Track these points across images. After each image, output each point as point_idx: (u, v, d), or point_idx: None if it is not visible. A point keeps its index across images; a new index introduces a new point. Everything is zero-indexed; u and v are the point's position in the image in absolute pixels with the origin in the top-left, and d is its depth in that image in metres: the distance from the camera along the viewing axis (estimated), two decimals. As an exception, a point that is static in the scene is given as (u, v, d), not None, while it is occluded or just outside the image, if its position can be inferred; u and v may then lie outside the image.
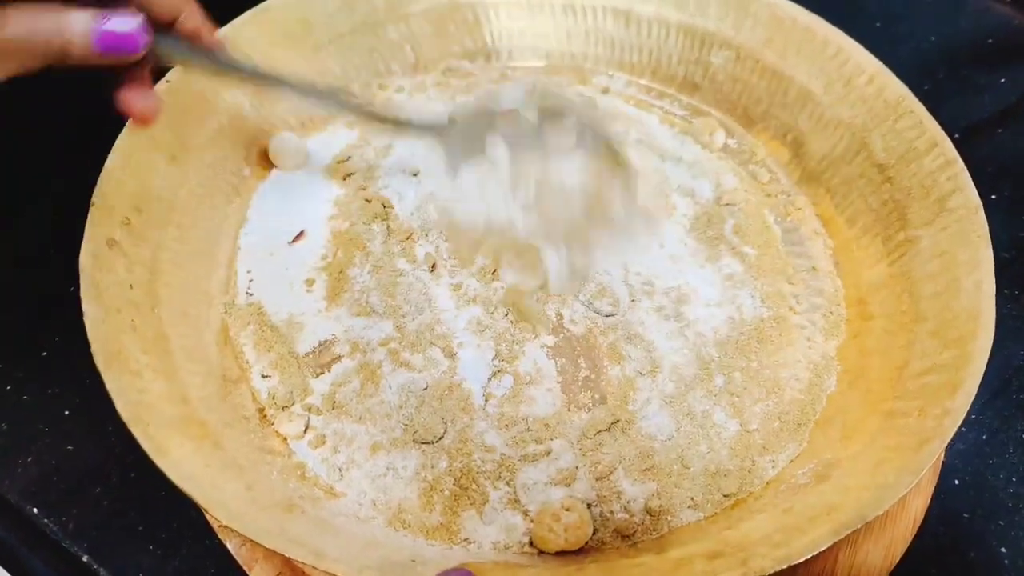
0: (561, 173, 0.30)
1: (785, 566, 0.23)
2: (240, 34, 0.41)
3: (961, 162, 0.34)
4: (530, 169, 0.30)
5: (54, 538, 0.33)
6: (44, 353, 0.39)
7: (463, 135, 0.30)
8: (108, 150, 0.34)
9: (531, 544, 0.29)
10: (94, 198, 0.32)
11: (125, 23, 0.23)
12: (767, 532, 0.26)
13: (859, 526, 0.24)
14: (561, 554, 0.29)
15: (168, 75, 0.38)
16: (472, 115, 0.31)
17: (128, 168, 0.34)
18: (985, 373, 0.38)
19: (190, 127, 0.38)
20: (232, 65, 0.29)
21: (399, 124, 0.34)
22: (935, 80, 0.52)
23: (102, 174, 0.33)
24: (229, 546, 0.31)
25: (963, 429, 0.36)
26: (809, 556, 0.23)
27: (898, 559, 0.31)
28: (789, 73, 0.42)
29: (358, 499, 0.30)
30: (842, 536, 0.24)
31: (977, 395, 0.37)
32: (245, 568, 0.30)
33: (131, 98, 0.26)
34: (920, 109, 0.36)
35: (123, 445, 0.34)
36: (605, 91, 0.47)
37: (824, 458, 0.30)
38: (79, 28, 0.22)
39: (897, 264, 0.35)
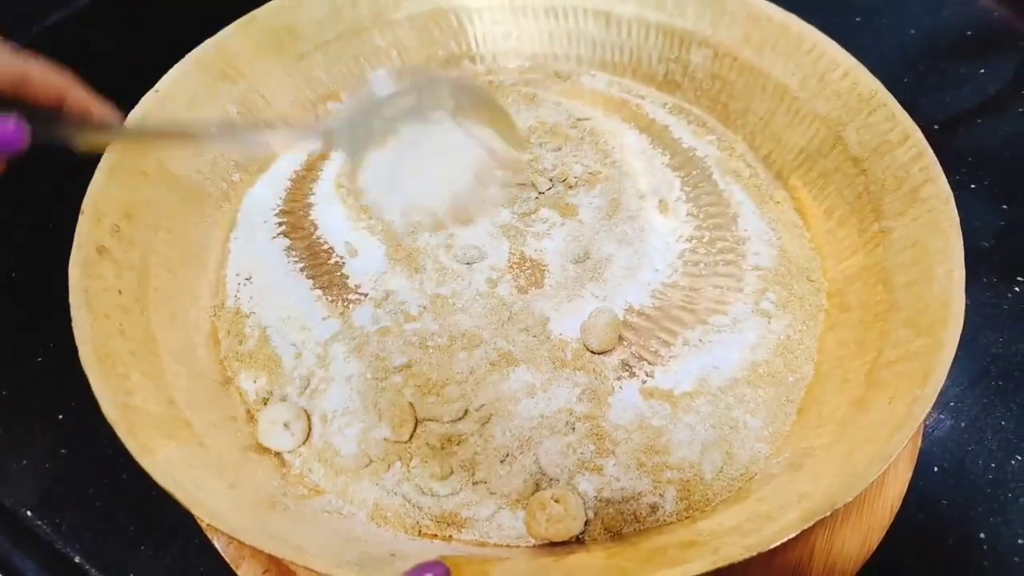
0: (448, 136, 0.32)
1: (755, 553, 0.24)
2: (227, 45, 0.42)
3: (932, 153, 0.35)
4: (422, 142, 0.32)
5: (47, 539, 0.33)
6: (39, 359, 0.39)
7: (356, 133, 0.31)
8: (99, 159, 0.34)
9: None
10: (84, 206, 0.33)
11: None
12: (739, 521, 0.26)
13: (828, 513, 0.24)
14: (550, 545, 0.29)
15: (157, 84, 0.39)
16: (357, 112, 0.31)
17: (118, 176, 0.35)
18: (964, 361, 0.39)
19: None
20: (132, 133, 0.31)
21: (297, 134, 0.35)
22: (916, 72, 0.53)
23: (92, 182, 0.34)
24: (217, 544, 0.31)
25: (942, 416, 0.37)
26: (778, 543, 0.24)
27: (875, 546, 0.31)
28: (766, 70, 0.43)
29: (340, 496, 0.30)
30: (811, 523, 0.24)
31: (956, 383, 0.38)
32: (232, 566, 0.31)
33: None
34: (892, 102, 0.37)
35: (115, 448, 0.35)
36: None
37: (799, 447, 0.31)
38: None
39: (872, 255, 0.36)
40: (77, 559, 0.33)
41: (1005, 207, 0.45)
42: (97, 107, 0.28)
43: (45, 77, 0.27)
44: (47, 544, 0.33)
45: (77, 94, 0.27)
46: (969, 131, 0.50)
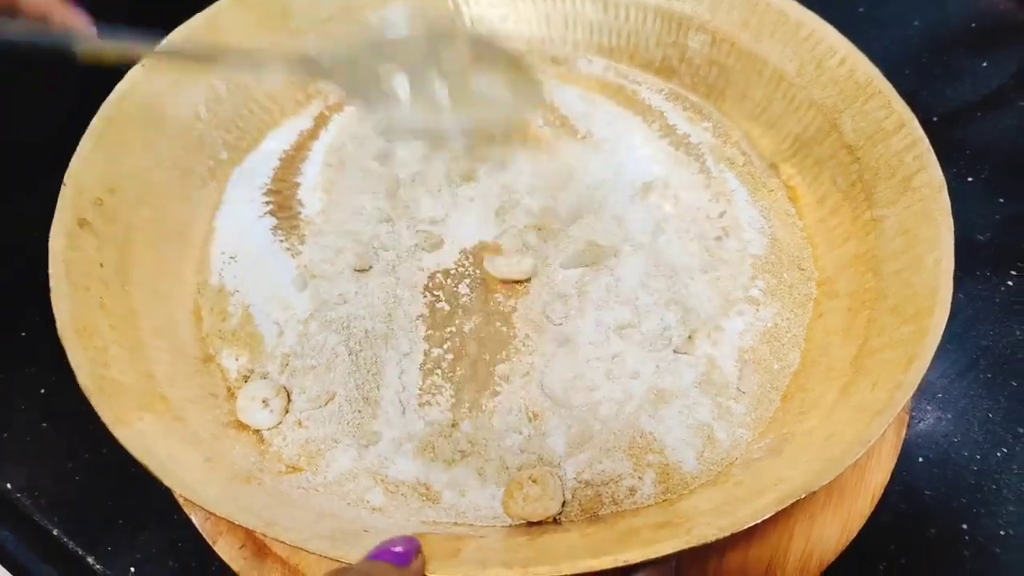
0: (467, 83, 0.32)
1: (728, 534, 0.23)
2: (220, 19, 0.42)
3: (927, 142, 0.34)
4: (432, 88, 0.31)
5: (26, 513, 0.33)
6: (22, 333, 0.39)
7: (357, 70, 0.30)
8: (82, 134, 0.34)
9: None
10: (65, 179, 0.33)
11: None
12: (715, 504, 0.26)
13: (803, 496, 0.24)
14: (527, 524, 0.29)
15: (143, 59, 0.38)
16: (361, 49, 0.31)
17: (101, 150, 0.35)
18: (954, 353, 0.38)
19: (166, 110, 0.39)
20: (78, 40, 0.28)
21: (291, 65, 0.33)
22: (918, 64, 0.52)
23: (74, 156, 0.34)
24: (194, 520, 0.31)
25: (928, 407, 0.36)
26: (751, 524, 0.23)
27: (855, 534, 0.31)
28: (763, 56, 0.42)
29: (316, 474, 0.30)
30: (786, 505, 0.24)
31: (944, 374, 0.38)
32: (210, 541, 0.31)
33: None
34: (889, 90, 0.36)
35: (95, 424, 0.35)
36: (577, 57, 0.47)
37: (780, 433, 0.30)
38: None
39: (864, 243, 0.35)
40: (55, 532, 0.33)
41: (1002, 201, 0.45)
42: (80, 23, 0.29)
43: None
44: (26, 517, 0.33)
45: (61, 10, 0.28)
46: (969, 124, 0.49)
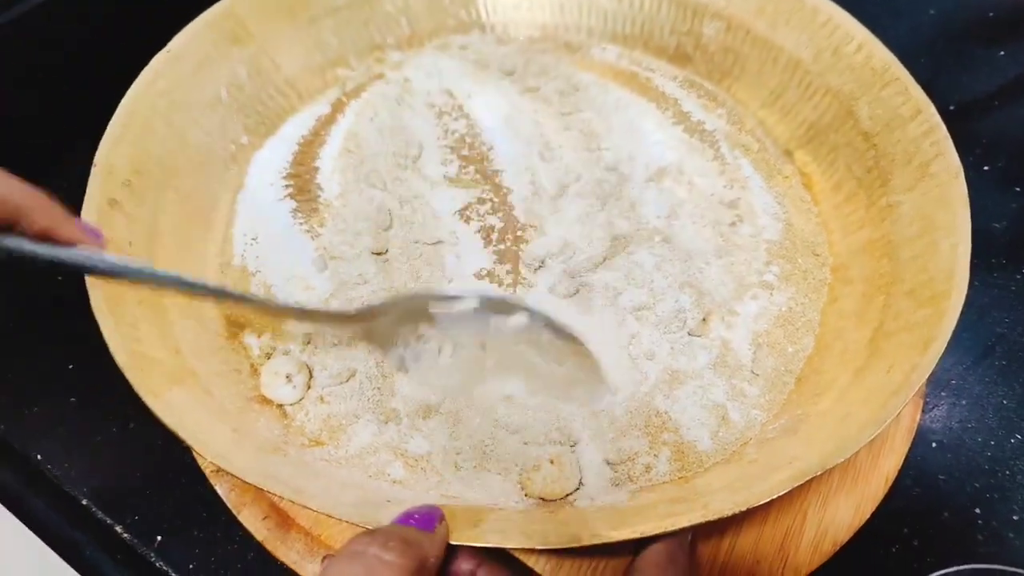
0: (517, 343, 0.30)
1: (744, 509, 0.24)
2: (239, 7, 0.42)
3: (944, 128, 0.34)
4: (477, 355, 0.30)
5: (56, 483, 0.34)
6: (51, 311, 0.40)
7: (391, 323, 0.29)
8: (110, 118, 0.35)
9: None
10: (96, 160, 0.34)
11: None
12: (730, 480, 0.27)
13: (817, 473, 0.24)
14: (543, 501, 0.30)
15: (169, 44, 0.39)
16: (401, 303, 0.30)
17: (129, 134, 0.36)
18: (968, 340, 0.39)
19: (189, 95, 0.39)
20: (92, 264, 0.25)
21: (320, 318, 0.32)
22: (933, 53, 0.52)
23: (103, 138, 0.35)
24: (219, 491, 0.32)
25: (943, 394, 0.37)
26: (766, 500, 0.24)
27: (868, 516, 0.31)
28: (779, 43, 0.42)
29: (338, 447, 0.31)
30: (800, 483, 0.24)
31: (959, 361, 0.38)
32: (234, 511, 0.32)
33: None
34: (906, 76, 0.36)
35: (122, 398, 0.36)
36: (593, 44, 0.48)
37: (795, 414, 0.31)
38: None
39: (879, 228, 0.36)
40: (84, 501, 0.34)
41: (1018, 189, 0.45)
42: (68, 228, 0.25)
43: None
44: (55, 486, 0.34)
45: (43, 213, 0.24)
46: (985, 113, 0.49)
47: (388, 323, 0.30)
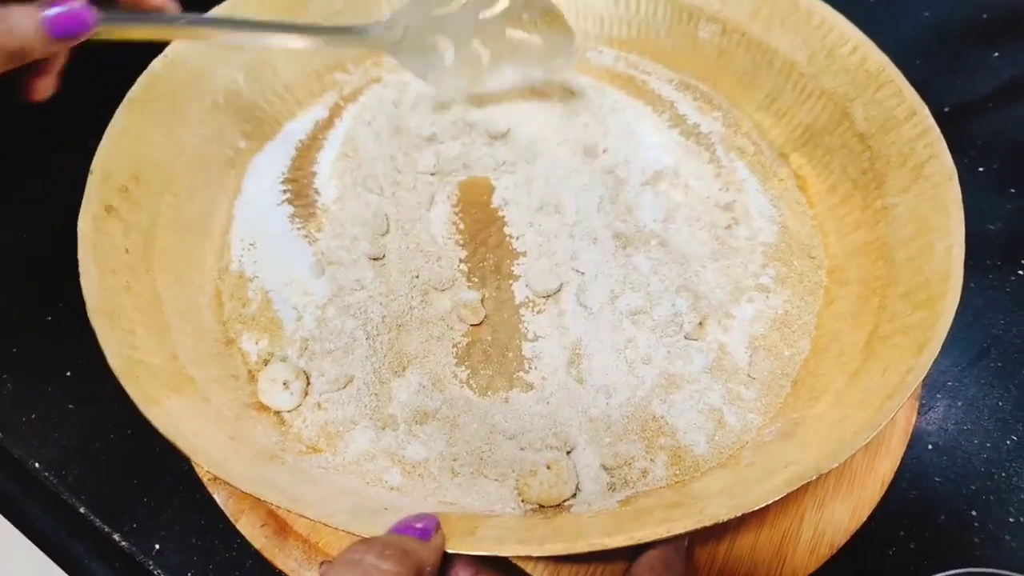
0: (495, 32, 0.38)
1: (740, 514, 0.24)
2: (238, 9, 0.42)
3: (938, 130, 0.34)
4: (475, 50, 0.38)
5: (53, 491, 0.34)
6: (49, 317, 0.40)
7: (411, 42, 0.36)
8: (107, 123, 0.35)
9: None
10: (93, 166, 0.34)
11: (70, 4, 0.23)
12: (727, 485, 0.27)
13: (813, 477, 0.24)
14: (540, 508, 0.30)
15: (166, 50, 0.39)
16: (413, 20, 0.37)
17: (126, 139, 0.36)
18: (964, 342, 0.39)
19: (187, 101, 0.39)
20: (178, 21, 0.31)
21: (351, 38, 0.38)
22: (928, 55, 0.52)
23: (101, 144, 0.35)
24: (217, 498, 0.32)
25: (938, 396, 0.37)
26: (763, 505, 0.24)
27: (865, 519, 0.31)
28: (774, 45, 0.42)
29: (335, 455, 0.31)
30: (796, 487, 0.24)
31: (955, 363, 0.38)
32: (232, 519, 0.32)
33: (39, 85, 0.27)
34: (900, 78, 0.37)
35: (120, 405, 0.36)
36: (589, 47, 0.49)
37: (791, 417, 0.31)
38: (27, 23, 0.22)
39: (874, 231, 0.36)
40: (82, 509, 0.34)
41: (1013, 191, 0.45)
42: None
43: None
44: (53, 494, 0.34)
45: None
46: (980, 115, 0.49)
47: (404, 36, 0.38)
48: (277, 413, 0.33)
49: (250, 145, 0.43)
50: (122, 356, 0.28)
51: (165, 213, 0.37)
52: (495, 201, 0.40)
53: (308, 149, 0.43)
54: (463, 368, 0.34)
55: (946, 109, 0.48)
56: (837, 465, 0.25)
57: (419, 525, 0.23)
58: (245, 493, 0.27)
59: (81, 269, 0.30)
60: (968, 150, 0.46)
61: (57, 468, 0.35)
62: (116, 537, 0.33)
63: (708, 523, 0.24)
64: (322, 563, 0.30)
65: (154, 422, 0.26)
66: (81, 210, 0.32)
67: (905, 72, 0.37)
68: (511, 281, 0.37)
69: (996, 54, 0.52)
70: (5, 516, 0.33)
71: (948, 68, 0.51)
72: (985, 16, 0.54)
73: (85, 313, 0.29)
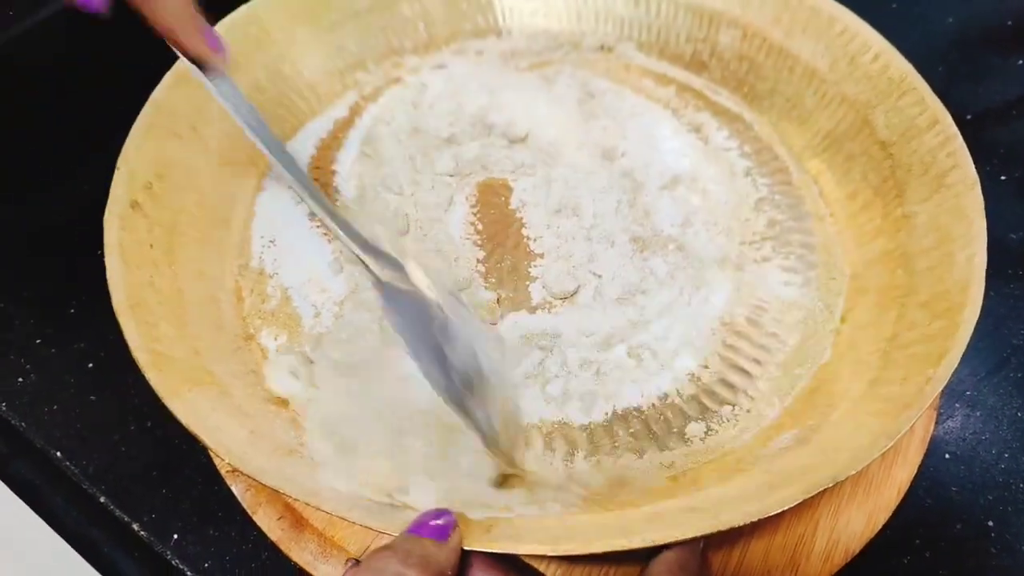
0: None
1: (755, 519, 0.24)
2: (261, 12, 0.43)
3: (960, 138, 0.34)
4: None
5: (74, 480, 0.35)
6: (72, 310, 0.41)
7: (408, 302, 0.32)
8: (133, 122, 0.36)
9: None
10: (119, 163, 0.34)
11: None
12: (743, 490, 0.27)
13: (830, 484, 0.24)
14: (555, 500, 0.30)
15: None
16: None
17: (151, 137, 0.36)
18: (983, 351, 0.38)
19: (210, 100, 0.40)
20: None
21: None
22: (950, 62, 0.52)
23: (126, 142, 0.35)
24: (235, 490, 0.32)
25: (957, 405, 0.36)
26: (778, 511, 0.24)
27: (880, 527, 0.31)
28: (795, 51, 0.42)
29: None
30: (812, 494, 0.24)
31: (974, 372, 0.38)
32: (249, 512, 0.32)
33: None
34: (923, 86, 0.36)
35: (141, 397, 0.37)
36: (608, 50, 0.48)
37: (807, 424, 0.31)
38: None
39: (894, 239, 0.36)
40: (102, 499, 0.34)
41: (1035, 200, 0.44)
42: (212, 53, 0.30)
43: None
44: (74, 484, 0.35)
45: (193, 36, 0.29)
46: (1002, 123, 0.49)
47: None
48: (293, 410, 0.33)
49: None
50: (146, 349, 0.29)
51: (188, 210, 0.37)
52: (513, 203, 0.40)
53: (329, 148, 0.44)
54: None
55: (968, 117, 0.48)
56: (854, 472, 0.25)
57: (437, 522, 0.23)
58: (263, 486, 0.27)
59: (107, 264, 0.31)
60: (990, 158, 0.46)
61: (78, 458, 0.36)
62: (135, 527, 0.34)
63: (723, 528, 0.24)
64: (347, 560, 0.31)
65: (177, 415, 0.27)
66: (108, 206, 0.32)
67: (927, 79, 0.36)
68: (528, 282, 0.37)
69: (1020, 61, 0.51)
70: (28, 504, 0.34)
71: (970, 75, 0.51)
72: (1009, 23, 0.54)
73: (107, 307, 0.29)
